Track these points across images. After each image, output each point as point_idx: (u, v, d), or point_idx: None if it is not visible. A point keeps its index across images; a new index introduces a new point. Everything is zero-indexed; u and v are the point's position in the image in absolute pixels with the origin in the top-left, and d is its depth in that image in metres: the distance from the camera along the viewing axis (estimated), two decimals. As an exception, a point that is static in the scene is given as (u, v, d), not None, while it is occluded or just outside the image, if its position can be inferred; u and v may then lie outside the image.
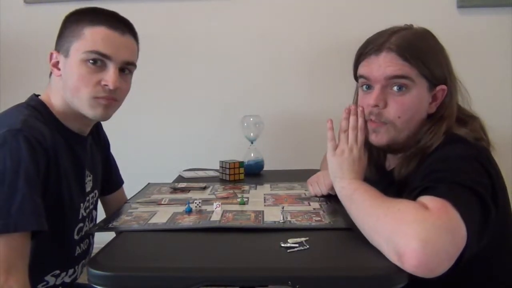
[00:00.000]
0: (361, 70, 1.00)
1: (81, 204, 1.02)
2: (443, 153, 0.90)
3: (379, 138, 0.98)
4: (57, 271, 0.99)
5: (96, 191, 1.13)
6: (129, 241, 0.86)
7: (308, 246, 0.77)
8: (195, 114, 1.90)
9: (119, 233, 0.90)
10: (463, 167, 0.83)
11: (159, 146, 1.91)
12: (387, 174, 1.05)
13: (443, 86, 0.96)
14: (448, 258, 0.70)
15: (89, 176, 1.08)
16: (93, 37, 0.94)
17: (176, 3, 1.84)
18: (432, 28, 1.02)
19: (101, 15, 0.97)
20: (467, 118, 0.98)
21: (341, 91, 1.70)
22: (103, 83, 0.95)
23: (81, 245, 1.04)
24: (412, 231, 0.69)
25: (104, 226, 0.94)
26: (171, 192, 1.25)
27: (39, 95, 1.02)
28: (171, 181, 1.42)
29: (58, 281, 1.00)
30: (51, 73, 1.01)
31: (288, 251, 0.76)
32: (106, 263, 0.72)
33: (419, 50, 0.94)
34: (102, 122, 1.17)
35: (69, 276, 1.02)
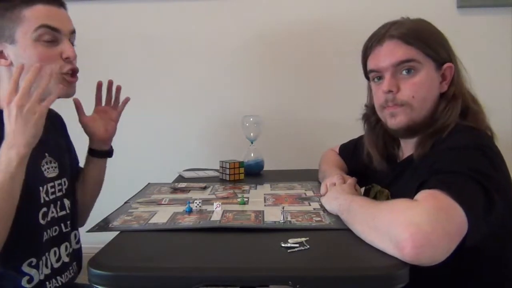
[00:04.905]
0: (370, 64, 1.04)
1: (40, 188, 1.02)
2: (446, 144, 0.91)
3: (398, 121, 0.99)
4: (33, 260, 0.98)
5: (64, 179, 1.12)
6: (129, 241, 0.87)
7: (308, 246, 0.77)
8: (195, 114, 1.90)
9: (119, 233, 0.90)
10: (462, 156, 0.84)
11: (159, 146, 1.90)
12: (397, 165, 1.07)
13: (449, 64, 0.99)
14: (446, 236, 0.70)
15: (51, 162, 1.08)
16: (35, 15, 0.97)
17: (176, 3, 1.83)
18: (432, 28, 1.02)
19: None
20: (475, 101, 1.00)
21: (341, 91, 1.71)
22: (64, 56, 0.99)
23: (49, 231, 1.04)
24: (404, 217, 0.71)
25: (104, 226, 0.94)
26: (171, 192, 1.25)
27: None
28: (171, 181, 1.42)
29: (42, 275, 0.99)
30: None
31: (289, 251, 0.76)
32: (106, 263, 0.72)
33: (419, 33, 0.98)
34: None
35: (51, 268, 1.02)
